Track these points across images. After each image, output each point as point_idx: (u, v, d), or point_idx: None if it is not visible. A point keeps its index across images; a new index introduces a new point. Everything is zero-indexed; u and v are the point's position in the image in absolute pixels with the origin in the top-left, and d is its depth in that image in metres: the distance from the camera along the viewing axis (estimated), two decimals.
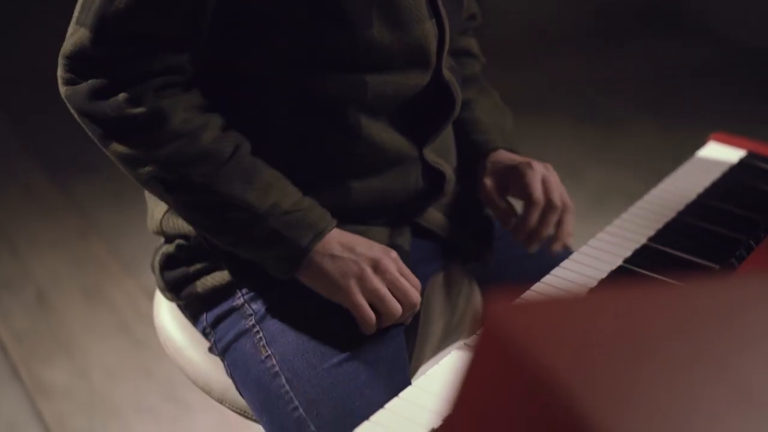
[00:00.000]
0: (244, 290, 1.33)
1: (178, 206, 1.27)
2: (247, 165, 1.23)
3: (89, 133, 1.27)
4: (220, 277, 1.34)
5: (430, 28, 1.27)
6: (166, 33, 1.20)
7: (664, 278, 1.33)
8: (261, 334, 1.29)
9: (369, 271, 1.22)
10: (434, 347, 1.51)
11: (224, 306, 1.34)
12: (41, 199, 3.39)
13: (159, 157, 1.21)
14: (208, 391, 1.42)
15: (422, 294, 1.42)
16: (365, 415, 1.17)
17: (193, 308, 1.39)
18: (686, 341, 0.69)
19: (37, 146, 3.71)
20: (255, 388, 1.28)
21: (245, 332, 1.31)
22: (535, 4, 4.94)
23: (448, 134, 1.45)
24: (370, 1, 1.20)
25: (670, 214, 1.50)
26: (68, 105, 1.25)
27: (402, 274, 1.25)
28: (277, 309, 1.30)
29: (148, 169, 1.22)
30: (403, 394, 1.11)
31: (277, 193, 1.23)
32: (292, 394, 1.24)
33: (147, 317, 2.74)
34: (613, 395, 0.63)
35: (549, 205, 1.38)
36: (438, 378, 1.14)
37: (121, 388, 2.48)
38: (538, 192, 1.37)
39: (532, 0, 4.92)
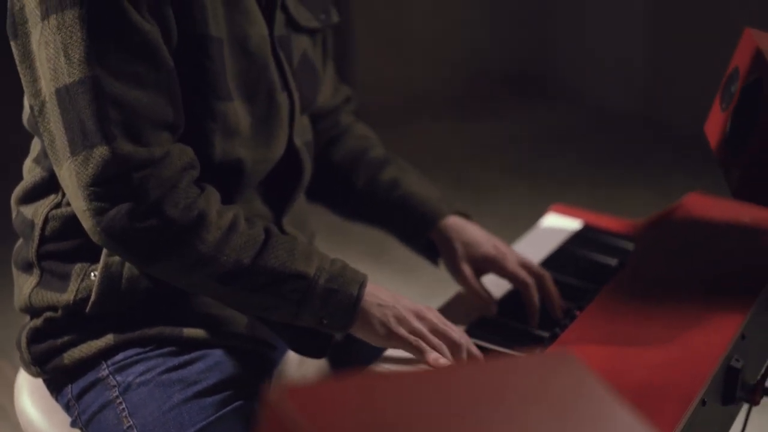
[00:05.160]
0: (110, 362, 1.38)
1: (235, 297, 1.32)
2: (284, 240, 1.32)
3: (130, 258, 1.30)
4: (87, 348, 1.39)
5: (283, 99, 1.42)
6: (163, 117, 1.26)
7: (498, 348, 1.43)
8: (124, 405, 1.35)
9: (412, 316, 1.34)
10: None
11: (89, 377, 1.39)
12: None
13: (211, 253, 1.26)
14: None
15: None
16: None
17: (57, 382, 1.44)
18: (483, 419, 0.70)
19: None
20: None
21: (109, 403, 1.37)
22: (402, 70, 5.02)
23: (302, 207, 1.57)
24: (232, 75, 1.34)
25: (506, 286, 1.61)
26: (104, 237, 1.25)
27: (444, 325, 1.35)
28: (139, 381, 1.36)
29: (201, 270, 1.27)
30: None
31: (315, 255, 1.32)
32: None
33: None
34: None
35: (539, 282, 1.54)
36: None
37: None
38: (528, 278, 1.54)
39: (399, 66, 5.00)
